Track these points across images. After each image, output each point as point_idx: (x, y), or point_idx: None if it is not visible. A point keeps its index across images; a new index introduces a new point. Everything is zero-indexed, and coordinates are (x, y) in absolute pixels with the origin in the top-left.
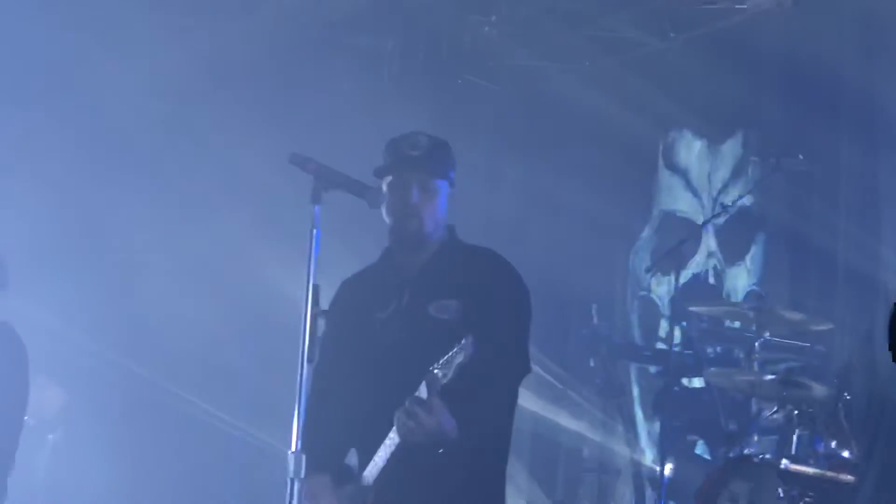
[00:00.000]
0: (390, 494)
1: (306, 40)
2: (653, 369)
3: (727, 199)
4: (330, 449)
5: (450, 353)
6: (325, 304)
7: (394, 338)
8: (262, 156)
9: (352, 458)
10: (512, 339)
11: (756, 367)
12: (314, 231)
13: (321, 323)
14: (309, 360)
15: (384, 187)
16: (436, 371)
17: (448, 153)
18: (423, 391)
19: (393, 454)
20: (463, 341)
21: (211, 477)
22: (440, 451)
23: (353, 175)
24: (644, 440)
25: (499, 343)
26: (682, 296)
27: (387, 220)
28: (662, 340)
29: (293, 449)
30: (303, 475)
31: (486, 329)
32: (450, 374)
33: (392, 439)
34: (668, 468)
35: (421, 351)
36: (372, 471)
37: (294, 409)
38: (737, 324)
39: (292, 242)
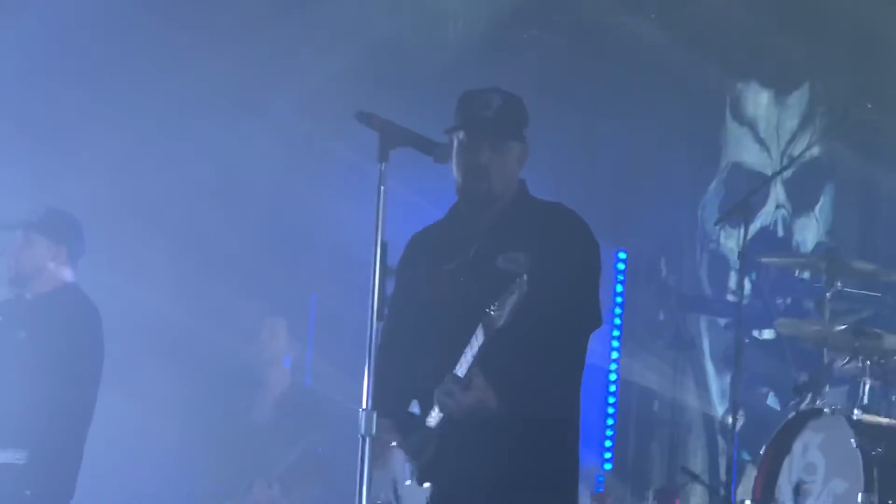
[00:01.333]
0: (451, 448)
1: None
2: (722, 322)
3: (795, 151)
4: (395, 400)
5: (505, 293)
6: (393, 262)
7: (461, 289)
8: (325, 119)
9: (415, 408)
10: (581, 292)
11: (827, 317)
12: (381, 188)
13: (390, 281)
14: (378, 318)
15: (454, 143)
16: (491, 312)
17: (520, 111)
18: (479, 335)
19: (441, 423)
20: (517, 280)
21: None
22: (484, 422)
23: (419, 132)
24: (715, 393)
25: (567, 296)
26: (751, 248)
27: (456, 178)
28: (732, 292)
29: (364, 406)
30: (374, 432)
31: (554, 282)
32: (504, 317)
33: (437, 412)
34: (740, 420)
35: (487, 303)
36: (433, 420)
37: (364, 367)
38: (806, 275)
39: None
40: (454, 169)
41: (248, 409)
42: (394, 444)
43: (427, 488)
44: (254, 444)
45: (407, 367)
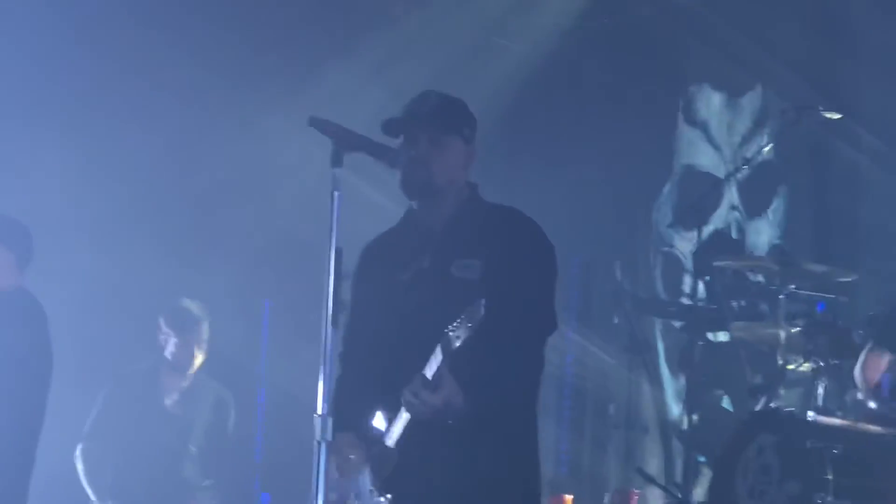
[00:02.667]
0: (414, 460)
1: (323, 4)
2: (677, 324)
3: (748, 153)
4: (355, 412)
5: (462, 316)
6: (347, 267)
7: (416, 299)
8: (283, 121)
9: (379, 421)
10: (536, 297)
11: (781, 319)
12: (335, 194)
13: (345, 287)
14: (334, 325)
15: (399, 147)
16: (450, 333)
17: (460, 110)
18: (437, 354)
19: (407, 426)
20: (475, 304)
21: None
22: (449, 422)
23: (373, 138)
24: (670, 395)
25: (523, 301)
26: (705, 250)
27: (399, 177)
28: (686, 295)
29: (319, 412)
30: (330, 438)
31: (509, 287)
32: (462, 337)
33: (403, 414)
34: (695, 422)
35: (443, 311)
36: (393, 435)
37: (319, 373)
38: (760, 277)
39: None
40: (402, 166)
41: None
42: (352, 456)
43: (388, 499)
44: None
45: (367, 377)
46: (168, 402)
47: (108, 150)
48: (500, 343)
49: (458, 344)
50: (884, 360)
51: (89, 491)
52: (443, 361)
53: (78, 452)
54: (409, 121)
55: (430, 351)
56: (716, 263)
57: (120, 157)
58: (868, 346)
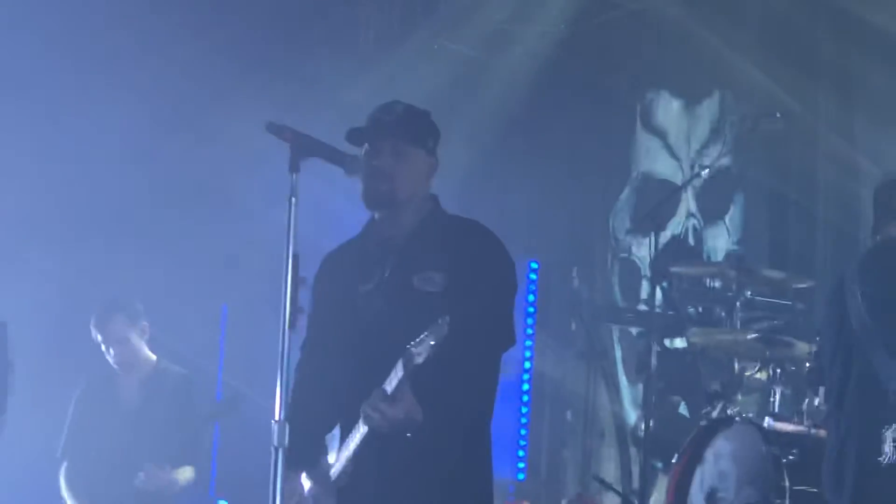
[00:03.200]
0: (368, 474)
1: (280, 9)
2: (634, 331)
3: (705, 160)
4: (314, 425)
5: (425, 333)
6: (304, 273)
7: (377, 311)
8: (242, 125)
9: (336, 434)
10: (496, 312)
11: (738, 326)
12: (292, 199)
13: (302, 292)
14: (290, 327)
15: (362, 156)
16: (412, 349)
17: (425, 121)
18: (399, 369)
19: (365, 439)
20: (439, 321)
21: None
22: (408, 435)
23: (331, 143)
24: (627, 402)
25: (483, 316)
26: (662, 257)
27: (361, 187)
28: (644, 302)
29: (276, 418)
30: (286, 443)
31: (469, 301)
32: (424, 354)
33: (361, 427)
34: (652, 429)
35: (404, 324)
36: (348, 450)
37: (276, 379)
38: (717, 283)
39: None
40: (364, 177)
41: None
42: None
43: None
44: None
45: (328, 391)
46: (127, 400)
47: (66, 150)
48: (460, 357)
49: (419, 360)
50: None
51: None
52: (403, 377)
53: (61, 472)
54: (373, 130)
55: (390, 363)
56: (673, 270)
57: (77, 158)
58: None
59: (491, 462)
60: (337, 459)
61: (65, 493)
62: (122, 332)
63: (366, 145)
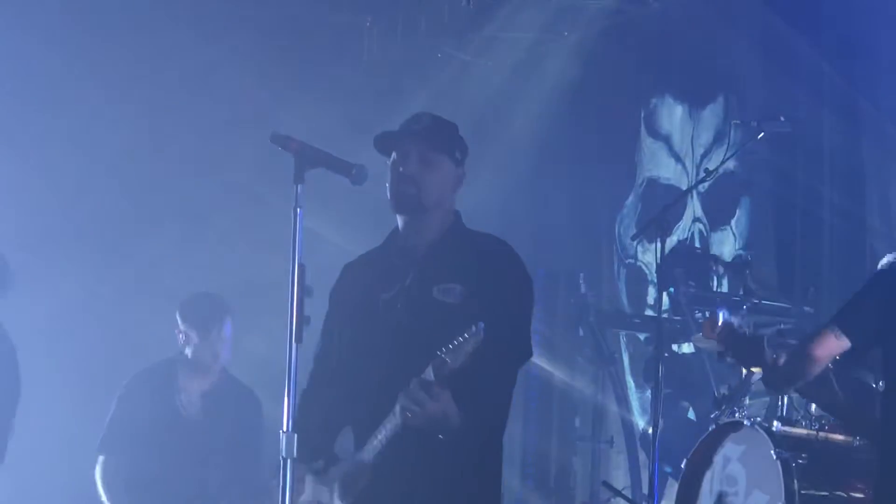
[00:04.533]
0: (386, 475)
1: (285, 20)
2: (642, 336)
3: (711, 164)
4: (325, 428)
5: (460, 339)
6: (310, 284)
7: (396, 319)
8: (245, 136)
9: (347, 438)
10: (514, 326)
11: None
12: (298, 211)
13: (308, 303)
14: (297, 341)
15: (389, 164)
16: (443, 356)
17: (453, 132)
18: (429, 375)
19: (393, 436)
20: (474, 328)
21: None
22: (440, 437)
23: (335, 153)
24: (636, 407)
25: (501, 329)
26: (669, 262)
27: (388, 193)
28: (651, 307)
29: (284, 429)
30: (295, 455)
31: (488, 315)
32: (458, 361)
33: (393, 421)
34: (661, 434)
35: (423, 333)
36: (370, 451)
37: (285, 389)
38: (724, 288)
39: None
40: (387, 186)
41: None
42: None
43: None
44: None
45: (341, 394)
46: (188, 405)
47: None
48: (479, 369)
49: (452, 367)
50: None
51: None
52: (432, 382)
53: (97, 464)
54: (401, 137)
55: (407, 371)
56: (679, 272)
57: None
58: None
59: (501, 474)
60: (350, 470)
61: (100, 487)
62: (226, 335)
63: (393, 154)
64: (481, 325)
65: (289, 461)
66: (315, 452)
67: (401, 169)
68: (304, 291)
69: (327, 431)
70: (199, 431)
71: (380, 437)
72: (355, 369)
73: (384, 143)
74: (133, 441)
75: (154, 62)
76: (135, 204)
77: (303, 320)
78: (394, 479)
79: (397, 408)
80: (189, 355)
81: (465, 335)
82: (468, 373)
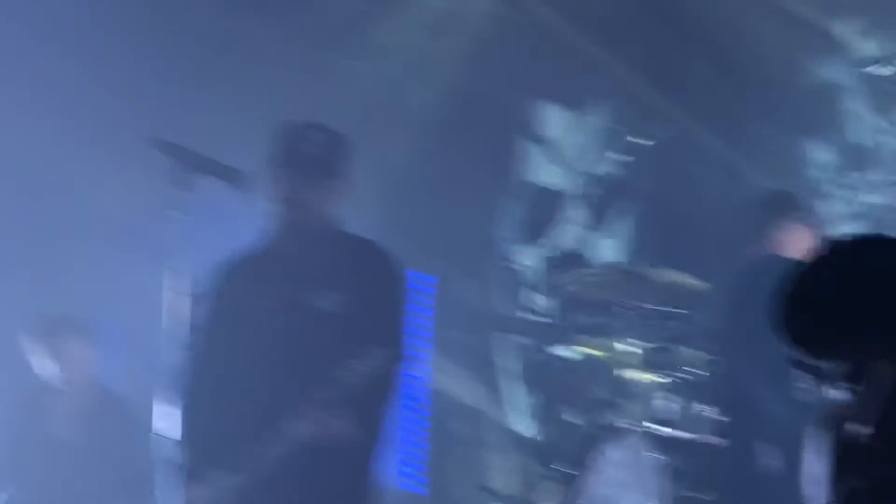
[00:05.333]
0: (275, 486)
1: (168, 24)
2: (522, 340)
3: (592, 168)
4: (208, 435)
5: (360, 360)
6: (195, 289)
7: (274, 326)
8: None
9: (231, 447)
10: (391, 329)
11: (625, 333)
12: (176, 214)
13: (189, 307)
14: (178, 345)
15: (272, 178)
16: (343, 372)
17: (345, 149)
18: (325, 390)
19: (281, 449)
20: (373, 350)
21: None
22: (332, 451)
23: (217, 158)
24: (516, 411)
25: (379, 333)
26: (549, 266)
27: (274, 211)
28: (530, 311)
29: (167, 435)
30: (173, 458)
31: (367, 320)
32: (359, 379)
33: (282, 435)
34: (539, 437)
35: (301, 340)
36: (256, 460)
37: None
38: (604, 292)
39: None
40: (273, 202)
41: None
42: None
43: None
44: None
45: (221, 406)
46: (60, 427)
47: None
48: (371, 379)
49: (356, 382)
50: None
51: None
52: (342, 389)
53: None
54: (293, 160)
55: (286, 378)
56: (559, 276)
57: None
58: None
59: (375, 477)
60: (238, 473)
61: None
62: (81, 353)
63: (283, 170)
64: (380, 348)
65: (170, 467)
66: (200, 459)
67: (292, 195)
68: (186, 297)
69: (210, 439)
70: (72, 455)
71: (269, 448)
72: (234, 377)
73: (275, 163)
74: (20, 476)
75: None
76: None
77: (184, 325)
78: (283, 492)
79: (287, 424)
80: (50, 380)
81: (362, 358)
82: (362, 388)
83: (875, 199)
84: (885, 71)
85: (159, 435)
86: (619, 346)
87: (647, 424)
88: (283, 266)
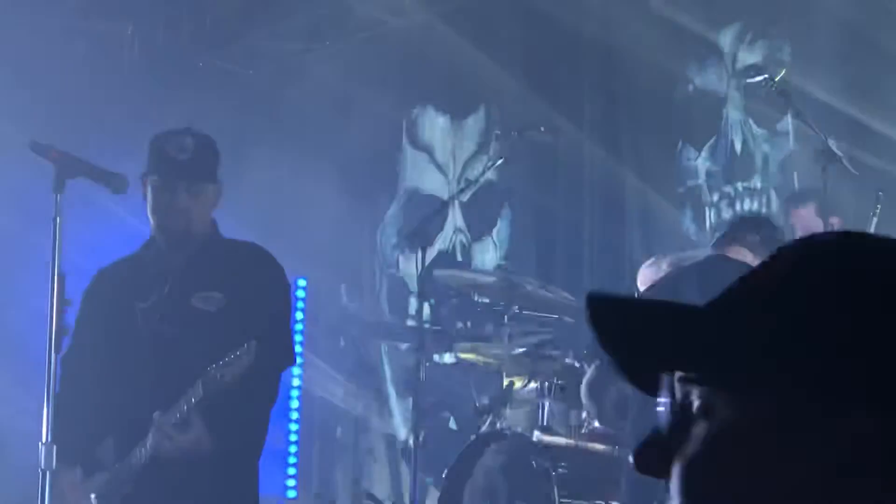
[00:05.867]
0: (146, 488)
1: (42, 28)
2: (404, 347)
3: (472, 174)
4: (82, 437)
5: (232, 356)
6: (70, 294)
7: (155, 328)
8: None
9: (108, 448)
10: (276, 333)
11: (506, 340)
12: (57, 220)
13: (68, 312)
14: (56, 351)
15: (149, 185)
16: (214, 371)
17: (214, 152)
18: (198, 389)
19: (151, 454)
20: (246, 345)
21: None
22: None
23: (96, 162)
24: (397, 417)
25: (263, 337)
26: (430, 272)
27: (152, 219)
28: (412, 317)
29: (43, 440)
30: (54, 466)
31: (249, 322)
32: (229, 377)
33: (146, 447)
34: (422, 444)
35: (184, 343)
36: (130, 462)
37: (43, 400)
38: (485, 299)
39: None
40: (150, 210)
41: None
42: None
43: None
44: None
45: (98, 403)
46: None
47: None
48: (241, 387)
49: (223, 385)
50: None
51: None
52: (202, 398)
53: None
54: (166, 167)
55: (169, 381)
56: (438, 273)
57: None
58: (594, 364)
59: (257, 492)
60: (111, 479)
61: None
62: None
63: (156, 178)
64: (253, 342)
65: (48, 473)
66: (74, 460)
67: (169, 201)
68: (63, 302)
69: (86, 438)
70: None
71: (141, 450)
72: (113, 378)
73: (150, 169)
74: None
75: None
76: None
77: (62, 331)
78: (153, 493)
79: (149, 437)
80: None
81: (238, 352)
82: (228, 394)
83: (755, 206)
84: (759, 78)
85: (45, 444)
86: (500, 352)
87: (528, 430)
88: (161, 270)
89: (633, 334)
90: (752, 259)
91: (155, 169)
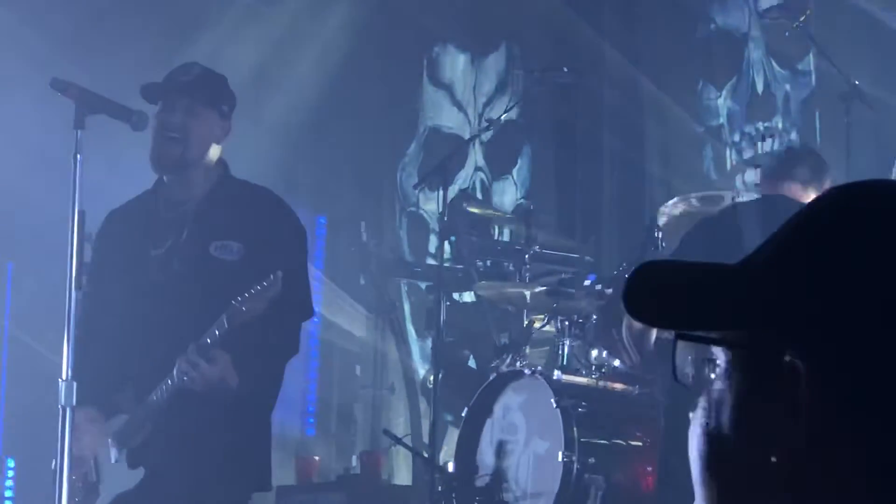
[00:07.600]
0: (164, 431)
1: None
2: (423, 285)
3: (492, 113)
4: (100, 380)
5: (258, 287)
6: (91, 231)
7: (172, 275)
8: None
9: (128, 389)
10: (296, 284)
11: (526, 279)
12: (77, 156)
13: (88, 249)
14: (77, 287)
15: (154, 114)
16: (239, 304)
17: (221, 84)
18: (223, 323)
19: (171, 395)
20: (272, 276)
21: None
22: (217, 400)
23: (117, 100)
24: (417, 355)
25: (284, 288)
26: (451, 210)
27: (150, 150)
28: (432, 256)
29: (64, 377)
30: (74, 403)
31: (268, 273)
32: (255, 311)
33: (171, 381)
34: (442, 382)
35: (202, 291)
36: (149, 405)
37: (63, 337)
38: (506, 237)
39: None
40: (150, 138)
41: None
42: (88, 434)
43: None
44: None
45: (115, 348)
46: None
47: None
48: (262, 331)
49: (248, 317)
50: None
51: None
52: (226, 331)
53: None
54: (167, 88)
55: (185, 327)
56: (465, 208)
57: None
58: None
59: (270, 431)
60: (129, 421)
61: None
62: None
63: (160, 103)
64: (279, 273)
65: (68, 409)
66: (93, 401)
67: (165, 123)
68: (84, 238)
69: (106, 381)
70: None
71: (159, 393)
72: (130, 324)
73: (150, 93)
74: None
75: None
76: None
77: (83, 267)
78: (171, 436)
79: (175, 370)
80: None
81: (265, 283)
82: (251, 336)
83: (776, 146)
84: (784, 19)
85: (65, 380)
86: (520, 290)
87: (547, 369)
88: (176, 212)
89: (665, 295)
90: (801, 194)
91: (158, 92)
